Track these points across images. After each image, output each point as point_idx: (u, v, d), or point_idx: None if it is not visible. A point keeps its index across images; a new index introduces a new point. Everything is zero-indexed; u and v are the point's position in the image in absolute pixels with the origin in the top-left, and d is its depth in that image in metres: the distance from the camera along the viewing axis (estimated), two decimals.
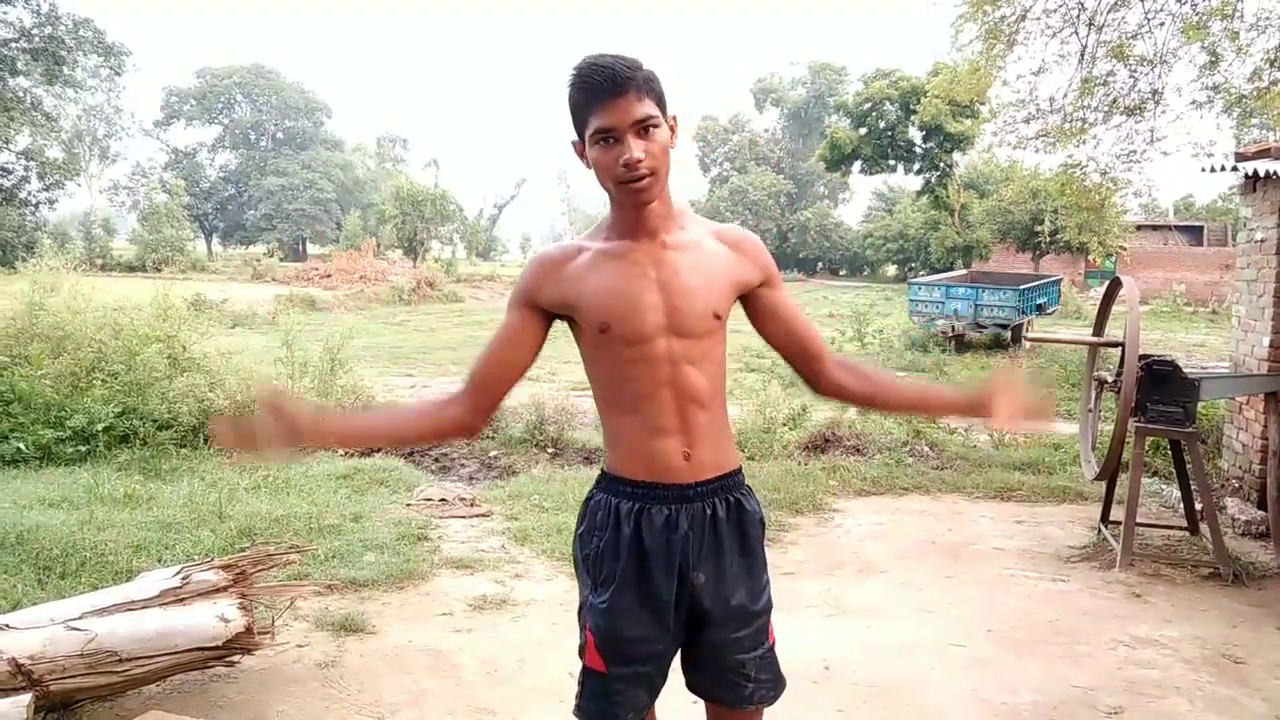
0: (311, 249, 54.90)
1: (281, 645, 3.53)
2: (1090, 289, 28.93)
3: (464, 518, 5.44)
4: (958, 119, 28.52)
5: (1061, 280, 19.82)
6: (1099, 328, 5.53)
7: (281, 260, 41.09)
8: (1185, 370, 4.78)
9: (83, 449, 6.38)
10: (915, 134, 32.72)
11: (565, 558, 4.46)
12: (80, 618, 3.01)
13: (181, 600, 3.20)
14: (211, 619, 3.16)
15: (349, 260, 32.45)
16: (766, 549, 1.90)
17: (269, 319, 17.71)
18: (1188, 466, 4.93)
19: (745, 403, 7.74)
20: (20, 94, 24.66)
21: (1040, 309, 16.02)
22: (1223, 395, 5.70)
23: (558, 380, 9.35)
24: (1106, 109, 8.67)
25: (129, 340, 7.15)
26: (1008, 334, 15.34)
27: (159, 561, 4.19)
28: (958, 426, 7.90)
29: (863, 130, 33.00)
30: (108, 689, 3.03)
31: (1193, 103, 8.44)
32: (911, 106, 30.67)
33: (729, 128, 54.86)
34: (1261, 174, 5.46)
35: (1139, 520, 4.80)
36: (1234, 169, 5.63)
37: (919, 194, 35.93)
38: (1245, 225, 5.99)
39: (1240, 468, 5.84)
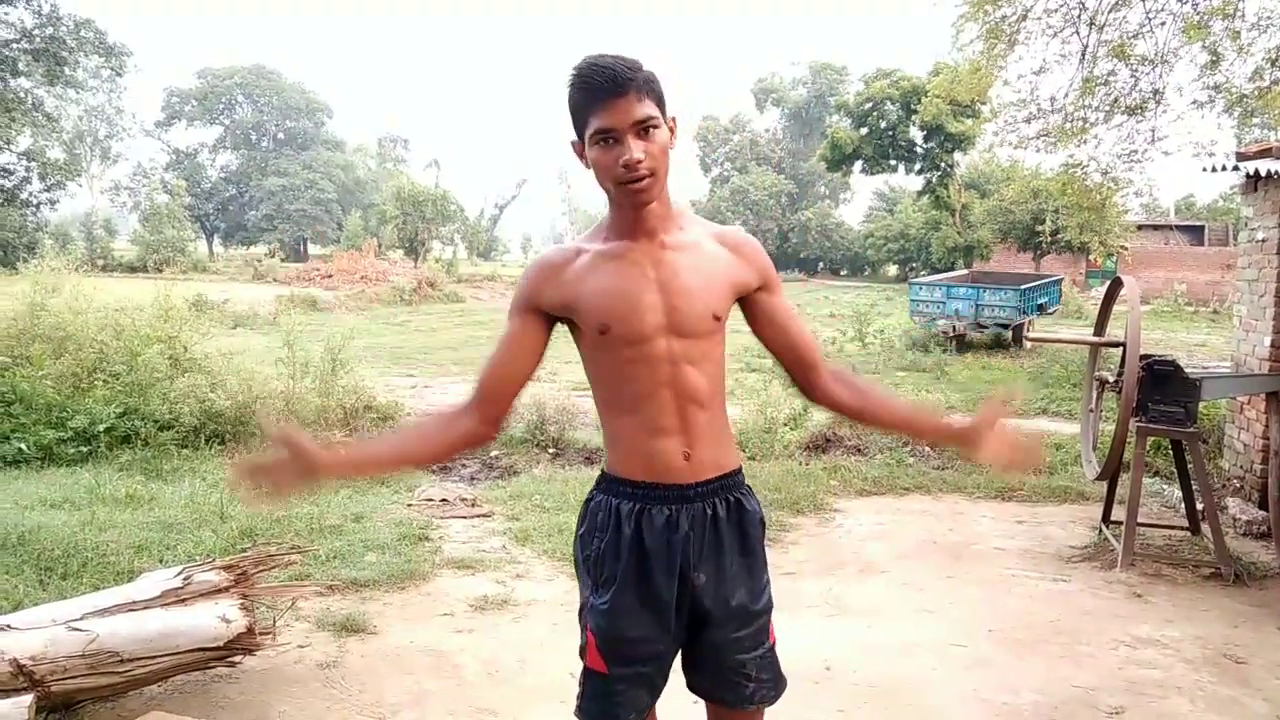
0: (313, 249, 54.91)
1: (283, 646, 3.53)
2: (1091, 289, 28.91)
3: (465, 518, 5.44)
4: (959, 119, 28.51)
5: (1063, 280, 19.80)
6: (1100, 328, 5.53)
7: (283, 261, 41.09)
8: (1186, 370, 4.78)
9: (84, 449, 6.39)
10: (916, 134, 32.70)
11: (566, 558, 4.46)
12: (82, 618, 3.01)
13: (183, 601, 3.20)
14: (213, 619, 3.16)
15: (350, 260, 32.44)
16: (767, 549, 1.90)
17: (270, 319, 17.70)
18: (1189, 466, 4.93)
19: (746, 403, 7.74)
20: (21, 95, 24.65)
21: (1041, 309, 16.00)
22: (1224, 395, 5.69)
23: (559, 380, 9.35)
24: (1108, 109, 8.67)
25: (130, 341, 7.16)
26: (1009, 334, 15.33)
27: (160, 562, 4.20)
28: None
29: (864, 130, 32.98)
30: (109, 689, 3.03)
31: (1194, 102, 8.45)
32: (912, 106, 30.64)
33: (730, 128, 54.85)
34: (1263, 174, 5.45)
35: (1140, 520, 4.80)
36: (1235, 169, 5.63)
37: (920, 194, 35.91)
38: (1246, 225, 5.99)
39: (1241, 468, 5.83)
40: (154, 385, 6.82)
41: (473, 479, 6.74)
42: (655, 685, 1.83)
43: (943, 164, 32.29)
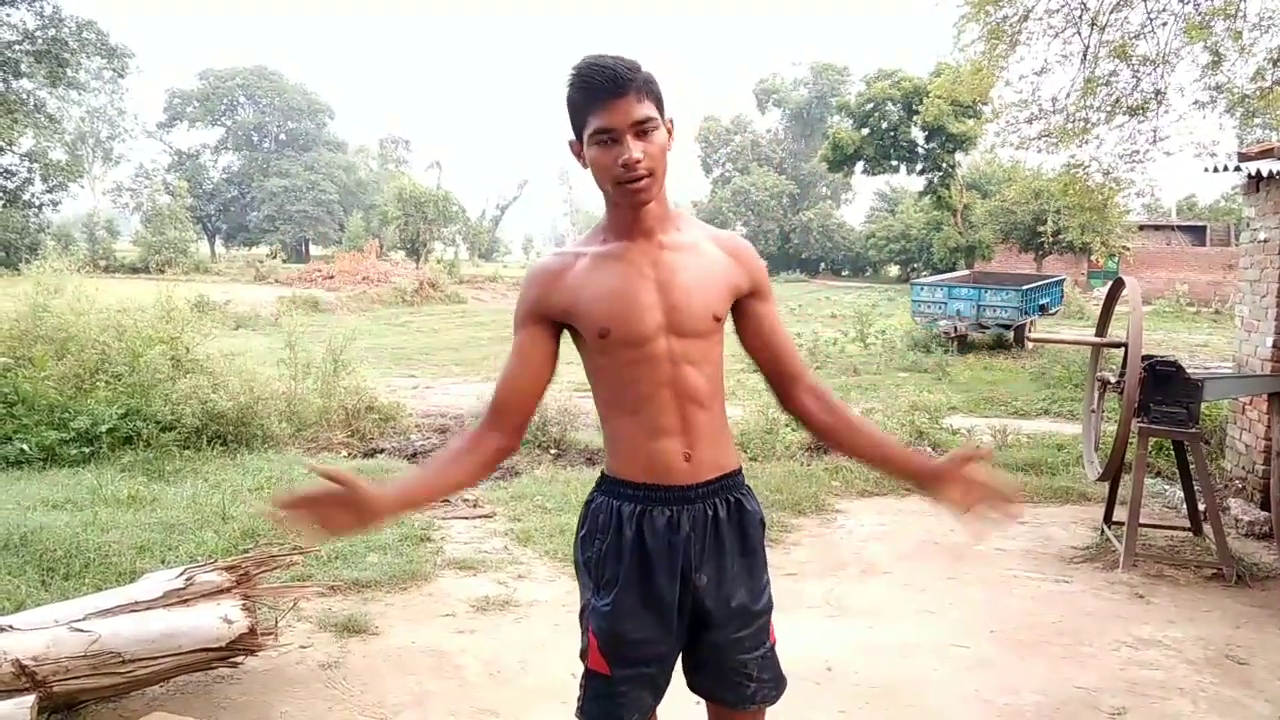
0: (314, 250, 54.94)
1: (285, 646, 3.54)
2: (1093, 289, 28.91)
3: (467, 519, 5.44)
4: (960, 119, 28.47)
5: (1064, 280, 19.80)
6: (1102, 328, 5.53)
7: (284, 262, 41.14)
8: (1188, 371, 4.78)
9: (86, 450, 6.39)
10: (918, 134, 32.66)
11: (568, 559, 4.46)
12: (84, 619, 3.02)
13: (185, 601, 3.20)
14: (215, 620, 3.17)
15: (352, 261, 32.46)
16: (768, 550, 1.90)
17: (272, 320, 17.73)
18: (1191, 467, 4.93)
19: (748, 403, 7.74)
20: (24, 96, 24.65)
21: (1043, 309, 15.99)
22: (1226, 396, 5.69)
23: (560, 381, 9.34)
24: (1109, 109, 8.66)
25: (132, 342, 7.16)
26: (1010, 334, 15.33)
27: (162, 563, 4.20)
28: (961, 428, 7.90)
29: (865, 131, 32.96)
30: (111, 690, 3.03)
31: (1195, 103, 8.44)
32: (914, 107, 30.63)
33: (731, 128, 54.86)
34: (1264, 174, 5.45)
35: (1142, 521, 4.80)
36: (1237, 169, 5.63)
37: (921, 194, 35.88)
38: (1248, 225, 5.98)
39: (1243, 468, 5.83)
40: (156, 386, 6.83)
41: None
42: (658, 686, 1.83)
43: (944, 164, 32.26)
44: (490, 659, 3.60)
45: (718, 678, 1.84)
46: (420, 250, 38.37)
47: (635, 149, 1.63)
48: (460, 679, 3.45)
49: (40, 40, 23.08)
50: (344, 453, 7.10)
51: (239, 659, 3.30)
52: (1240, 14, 7.58)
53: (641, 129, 1.64)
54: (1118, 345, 5.14)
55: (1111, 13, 8.14)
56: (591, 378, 1.83)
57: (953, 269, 28.06)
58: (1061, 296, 18.54)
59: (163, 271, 32.26)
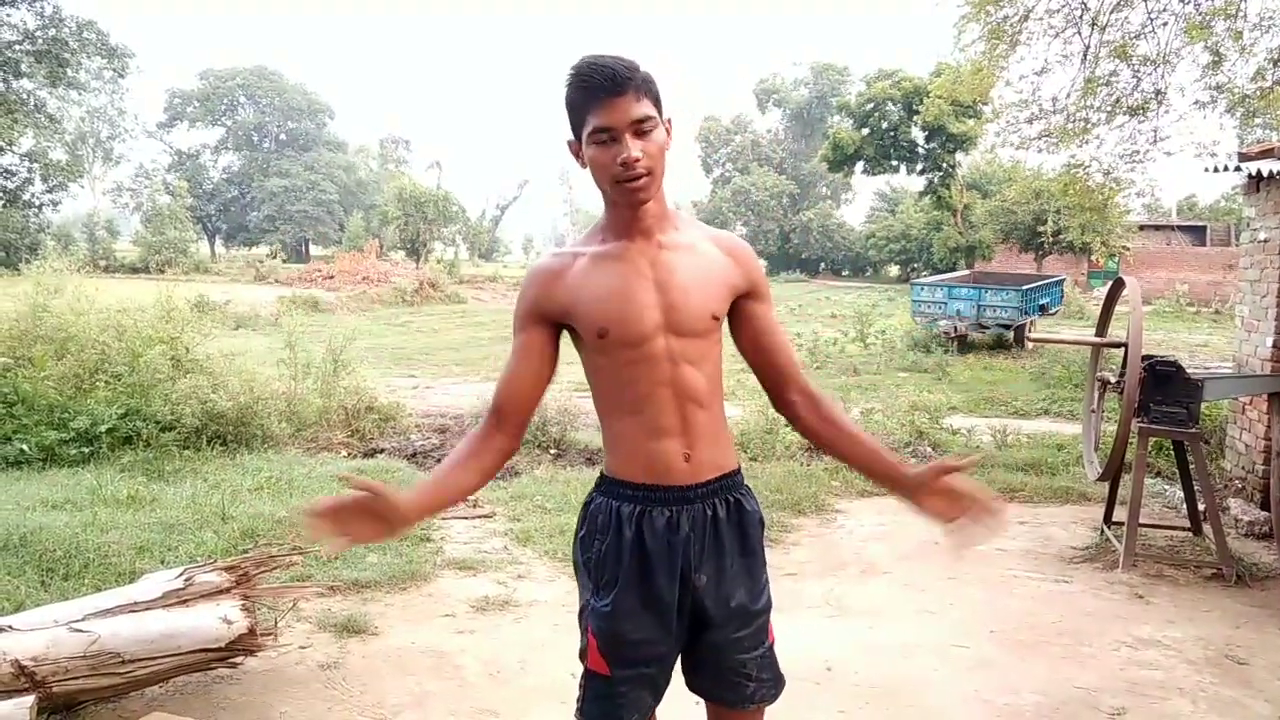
0: (314, 250, 54.95)
1: (284, 646, 3.53)
2: (1093, 289, 28.92)
3: (466, 519, 5.44)
4: (960, 119, 28.46)
5: (1064, 280, 19.81)
6: (1102, 328, 5.52)
7: (284, 262, 41.15)
8: (1188, 371, 4.78)
9: (86, 450, 6.39)
10: (918, 134, 32.67)
11: (567, 559, 4.46)
12: (83, 619, 3.02)
13: (184, 602, 3.20)
14: (214, 620, 3.17)
15: (352, 261, 32.47)
16: (768, 550, 1.90)
17: (272, 320, 17.73)
18: (1191, 467, 4.93)
19: (747, 403, 7.74)
20: (24, 96, 24.66)
21: (1043, 309, 16.00)
22: (1226, 396, 5.69)
23: (560, 381, 9.34)
24: (1109, 109, 8.66)
25: (132, 342, 7.16)
26: (1010, 334, 15.33)
27: (162, 563, 4.20)
28: (961, 428, 7.90)
29: (865, 131, 32.96)
30: (111, 690, 3.03)
31: (1196, 103, 8.43)
32: (914, 107, 30.63)
33: (731, 128, 54.86)
34: (1265, 174, 5.45)
35: (1142, 521, 4.79)
36: (1237, 169, 5.63)
37: (921, 194, 35.88)
38: (1248, 225, 5.98)
39: (1243, 468, 5.83)
40: (156, 386, 6.83)
41: None
42: (658, 686, 1.83)
43: (944, 164, 32.26)
44: (490, 659, 3.60)
45: (717, 677, 1.84)
46: (420, 250, 38.38)
47: (634, 148, 1.63)
48: (460, 679, 3.45)
49: (40, 40, 23.09)
50: (344, 453, 7.10)
51: (238, 659, 3.30)
52: (1241, 14, 7.58)
53: (640, 128, 1.64)
54: (1118, 345, 5.14)
55: (1112, 13, 8.14)
56: (590, 378, 1.83)
57: (953, 269, 28.07)
58: (1061, 296, 18.55)
59: (163, 271, 32.27)
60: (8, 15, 22.68)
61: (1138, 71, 8.36)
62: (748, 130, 55.14)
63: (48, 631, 2.94)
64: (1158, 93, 8.38)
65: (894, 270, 44.33)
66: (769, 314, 1.89)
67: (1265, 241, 5.63)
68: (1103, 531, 5.12)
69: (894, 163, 33.85)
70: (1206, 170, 6.02)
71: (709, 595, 1.77)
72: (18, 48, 22.94)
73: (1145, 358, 4.69)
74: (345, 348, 8.11)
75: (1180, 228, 35.32)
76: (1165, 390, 4.71)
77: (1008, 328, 15.22)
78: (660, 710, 1.88)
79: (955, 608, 4.22)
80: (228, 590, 3.30)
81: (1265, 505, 5.36)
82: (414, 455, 7.16)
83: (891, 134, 32.65)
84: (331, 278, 30.38)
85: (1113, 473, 4.97)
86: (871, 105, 32.95)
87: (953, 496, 1.76)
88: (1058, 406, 9.59)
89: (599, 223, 1.81)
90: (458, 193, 42.49)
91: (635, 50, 1.71)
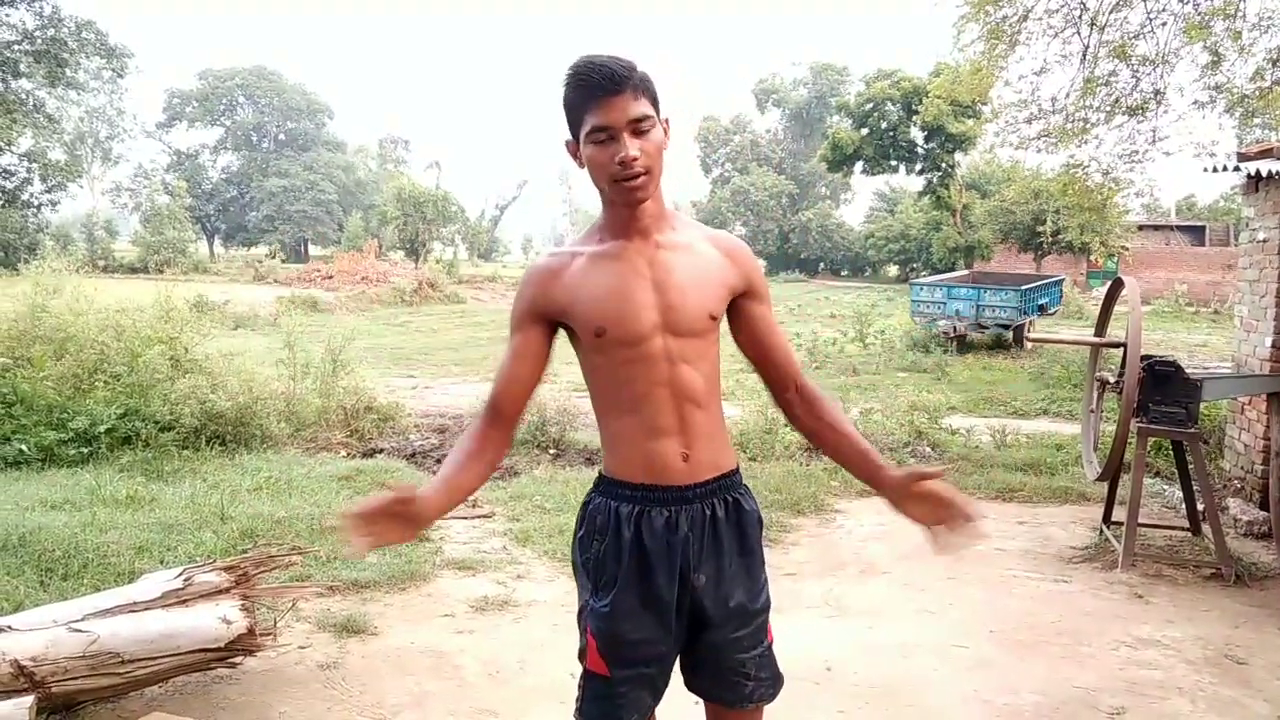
0: (313, 250, 54.92)
1: (283, 646, 3.53)
2: (1092, 289, 28.91)
3: (466, 519, 5.44)
4: (959, 119, 28.47)
5: (1063, 280, 19.81)
6: (1101, 328, 5.53)
7: (283, 262, 41.15)
8: (1187, 371, 4.78)
9: (85, 451, 6.39)
10: (917, 134, 32.67)
11: (567, 559, 4.46)
12: (82, 619, 3.01)
13: (184, 602, 3.20)
14: (214, 620, 3.17)
15: (351, 261, 32.46)
16: (768, 550, 1.91)
17: (271, 320, 17.73)
18: (1190, 467, 4.93)
19: (747, 403, 7.74)
20: (23, 96, 24.63)
21: (1042, 309, 16.01)
22: (1225, 396, 5.69)
23: (559, 381, 9.34)
24: (1108, 109, 8.66)
25: (131, 342, 7.16)
26: (1010, 334, 15.34)
27: (161, 563, 4.20)
28: (959, 428, 7.90)
29: (864, 131, 32.96)
30: (110, 690, 3.03)
31: (1195, 103, 8.44)
32: (913, 107, 30.63)
33: (731, 128, 54.85)
34: (1264, 174, 5.45)
35: (1141, 521, 4.80)
36: (1236, 169, 5.63)
37: (921, 194, 35.89)
38: (1247, 225, 5.98)
39: (1242, 468, 5.83)
40: (155, 386, 6.82)
41: None
42: (657, 686, 1.83)
43: (943, 164, 32.27)
44: (489, 659, 3.60)
45: (716, 677, 1.84)
46: (419, 250, 38.37)
47: (632, 146, 1.64)
48: (459, 679, 3.45)
49: (39, 40, 23.06)
50: (343, 453, 7.10)
51: (238, 659, 3.30)
52: (1240, 14, 7.58)
53: (638, 127, 1.65)
54: (1117, 345, 5.14)
55: (1111, 13, 8.14)
56: (588, 377, 1.83)
57: (952, 269, 28.07)
58: (1060, 296, 18.55)
59: (161, 271, 32.27)
60: (6, 15, 22.66)
61: (1137, 71, 8.37)
62: (747, 130, 55.14)
63: (47, 631, 2.94)
64: (1157, 93, 8.39)
65: (893, 270, 44.34)
66: (767, 314, 1.89)
67: (1264, 241, 5.64)
68: (1102, 531, 5.12)
69: (893, 163, 33.85)
70: (1205, 170, 6.03)
71: (708, 595, 1.77)
72: (16, 48, 22.92)
73: (1144, 358, 4.69)
74: (344, 348, 8.11)
75: (1179, 228, 35.35)
76: (1164, 390, 4.71)
77: (1007, 328, 15.22)
78: (660, 710, 1.88)
79: (955, 608, 4.22)
80: (227, 590, 3.30)
81: (1264, 505, 5.36)
82: (413, 455, 7.15)
83: (891, 134, 32.66)
84: (330, 278, 30.37)
85: (1112, 473, 4.97)
86: (871, 105, 32.95)
87: (932, 502, 1.76)
88: (1057, 406, 9.59)
89: (597, 222, 1.81)
90: (457, 193, 42.52)
91: (635, 50, 1.72)
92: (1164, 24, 7.98)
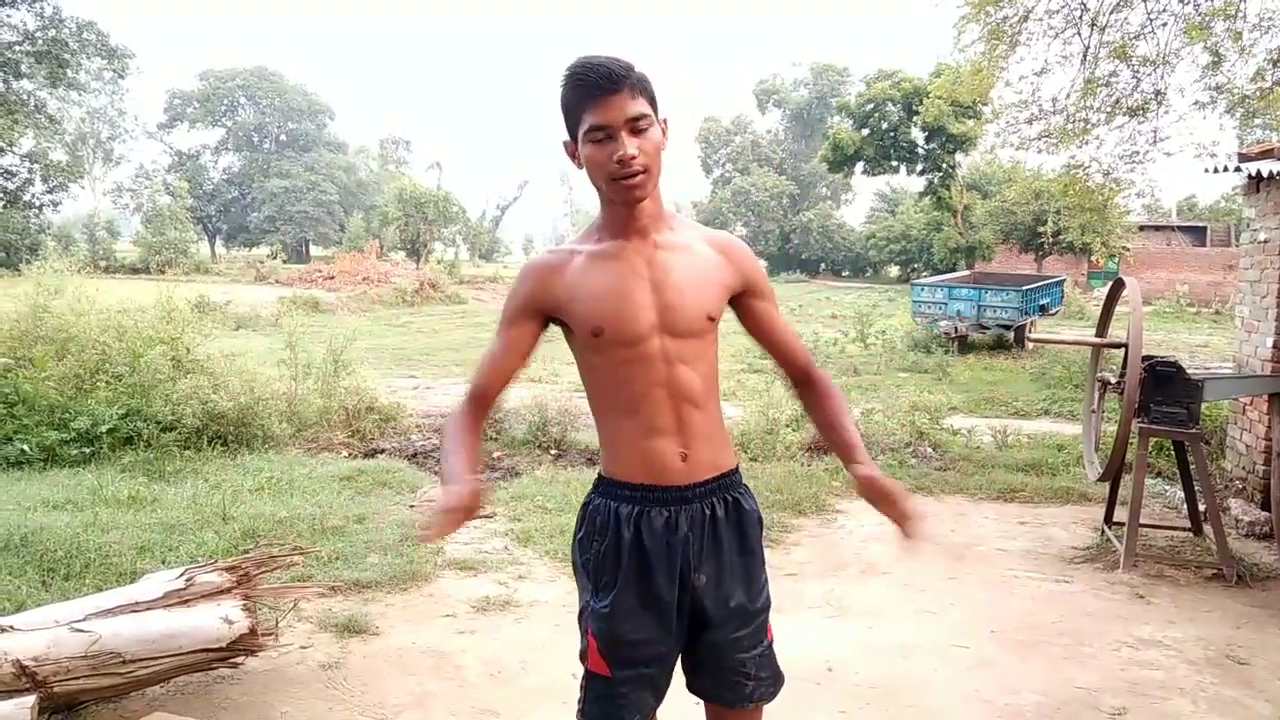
0: (315, 251, 54.95)
1: (285, 647, 3.54)
2: (1093, 290, 28.91)
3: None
4: (960, 120, 28.47)
5: (1064, 281, 19.80)
6: (1102, 328, 5.52)
7: (285, 262, 41.14)
8: (1189, 371, 4.78)
9: (87, 451, 6.40)
10: (918, 135, 32.68)
11: (568, 559, 4.47)
12: (84, 619, 3.02)
13: (185, 602, 3.20)
14: (215, 620, 3.17)
15: (352, 262, 32.47)
16: (768, 550, 1.91)
17: (272, 321, 17.74)
18: (1191, 467, 4.93)
19: (748, 404, 7.75)
20: (24, 97, 24.66)
21: (1043, 310, 16.00)
22: (1226, 396, 5.69)
23: (560, 382, 9.35)
24: (1109, 110, 8.66)
25: (133, 342, 7.17)
26: (1011, 335, 15.33)
27: (163, 563, 4.20)
28: (961, 428, 7.90)
29: (865, 131, 32.97)
30: (112, 690, 3.03)
31: (1195, 103, 8.44)
32: (914, 107, 30.64)
33: (731, 129, 54.87)
34: (1265, 175, 5.45)
35: (1142, 521, 4.79)
36: (1237, 169, 5.63)
37: (921, 195, 35.89)
38: (1248, 226, 5.98)
39: (1244, 468, 5.83)
40: (156, 386, 6.83)
41: None
42: (659, 686, 1.83)
43: (944, 165, 32.27)
44: (491, 659, 3.60)
45: (716, 677, 1.84)
46: (420, 251, 38.39)
47: (630, 145, 1.64)
48: (461, 679, 3.45)
49: (40, 41, 23.08)
50: (344, 453, 7.10)
51: (239, 659, 3.30)
52: (1240, 14, 7.58)
53: (636, 126, 1.65)
54: (1118, 346, 5.14)
55: (1111, 13, 8.14)
56: (585, 377, 1.83)
57: (953, 269, 28.07)
58: (1062, 297, 18.54)
59: (163, 272, 32.26)
60: (8, 16, 22.68)
61: (1137, 72, 8.37)
62: (748, 131, 55.15)
63: (49, 631, 2.94)
64: (1157, 93, 8.38)
65: (894, 271, 44.33)
66: (769, 310, 1.90)
67: (1265, 242, 5.63)
68: (1103, 532, 5.12)
69: (894, 163, 33.86)
70: (1206, 171, 6.02)
71: (708, 595, 1.78)
72: (18, 48, 22.94)
73: (1145, 358, 4.69)
74: (345, 348, 8.11)
75: (1180, 228, 35.32)
76: (1165, 391, 4.71)
77: (1008, 328, 15.22)
78: (660, 710, 1.89)
79: (956, 608, 4.22)
80: (229, 590, 3.30)
81: (1266, 505, 5.36)
82: (414, 456, 7.15)
83: (891, 134, 32.66)
84: (332, 278, 30.38)
85: (1113, 473, 4.97)
86: (871, 106, 32.96)
87: (883, 501, 1.72)
88: (1058, 407, 9.59)
89: (595, 222, 1.82)
90: (458, 193, 42.50)
91: (635, 50, 1.73)
92: (1164, 24, 7.99)
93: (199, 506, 5.18)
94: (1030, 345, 14.68)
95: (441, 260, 39.40)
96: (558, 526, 5.14)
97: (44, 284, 7.79)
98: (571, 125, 1.71)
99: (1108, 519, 5.17)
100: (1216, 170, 5.87)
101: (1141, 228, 29.67)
